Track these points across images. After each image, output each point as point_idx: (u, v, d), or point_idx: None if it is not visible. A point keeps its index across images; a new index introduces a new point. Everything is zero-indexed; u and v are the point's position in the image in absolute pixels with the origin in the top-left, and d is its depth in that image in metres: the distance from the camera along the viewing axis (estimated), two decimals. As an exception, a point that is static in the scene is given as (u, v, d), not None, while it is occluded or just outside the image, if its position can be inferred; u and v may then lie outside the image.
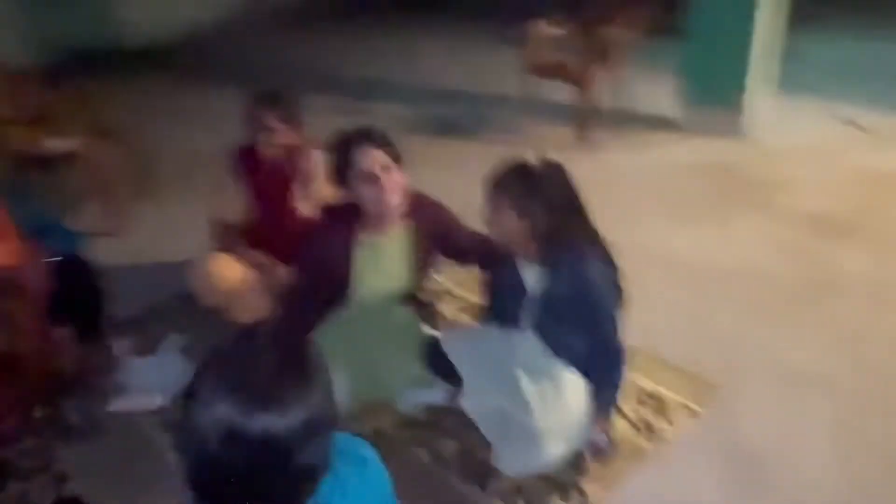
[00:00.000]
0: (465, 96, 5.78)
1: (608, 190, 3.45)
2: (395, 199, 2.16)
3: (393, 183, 2.14)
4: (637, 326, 2.27)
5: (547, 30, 4.88)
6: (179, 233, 3.36)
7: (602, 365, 2.09)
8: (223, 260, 2.66)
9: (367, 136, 2.17)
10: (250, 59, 6.88)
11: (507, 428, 2.04)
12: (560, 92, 4.89)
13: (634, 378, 2.45)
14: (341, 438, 1.02)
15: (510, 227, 1.99)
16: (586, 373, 2.10)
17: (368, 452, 1.18)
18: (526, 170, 1.98)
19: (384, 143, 2.18)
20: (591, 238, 2.05)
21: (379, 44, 7.40)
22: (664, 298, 2.96)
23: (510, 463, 2.05)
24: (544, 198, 1.93)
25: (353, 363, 2.19)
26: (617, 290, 2.12)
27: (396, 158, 2.18)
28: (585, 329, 2.06)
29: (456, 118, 5.27)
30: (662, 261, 3.27)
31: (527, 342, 2.13)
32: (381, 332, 2.34)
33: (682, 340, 2.74)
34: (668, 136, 4.77)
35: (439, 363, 2.20)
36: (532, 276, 2.08)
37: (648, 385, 2.49)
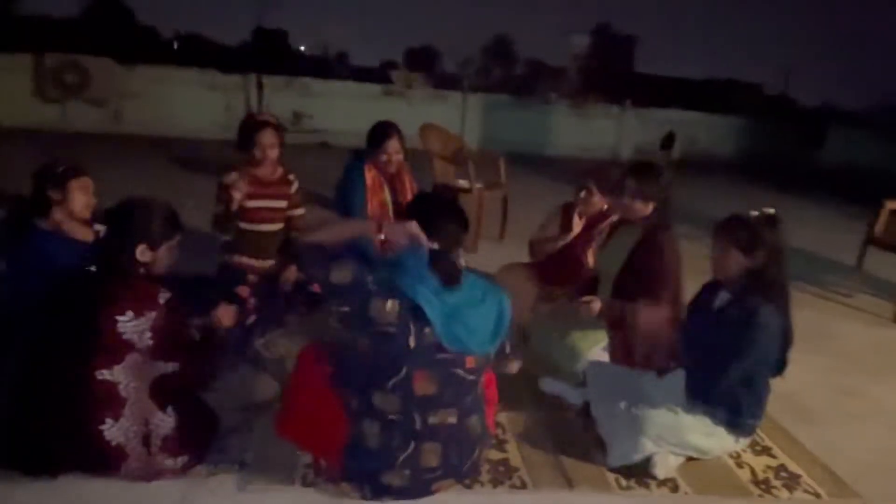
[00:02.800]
0: (801, 252, 6.03)
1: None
2: None
3: None
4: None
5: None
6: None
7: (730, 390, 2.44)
8: None
9: None
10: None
11: (617, 432, 2.52)
12: (893, 270, 4.90)
13: (785, 461, 2.72)
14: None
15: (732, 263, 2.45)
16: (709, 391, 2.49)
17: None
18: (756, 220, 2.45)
19: None
20: (783, 288, 2.44)
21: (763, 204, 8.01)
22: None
23: (613, 457, 2.50)
24: (766, 245, 2.40)
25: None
26: (779, 342, 2.44)
27: None
28: (729, 354, 2.40)
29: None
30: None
31: (656, 384, 2.67)
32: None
33: (853, 462, 2.80)
34: None
35: None
36: (720, 299, 2.54)
37: (793, 467, 2.69)
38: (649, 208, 2.90)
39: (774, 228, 2.42)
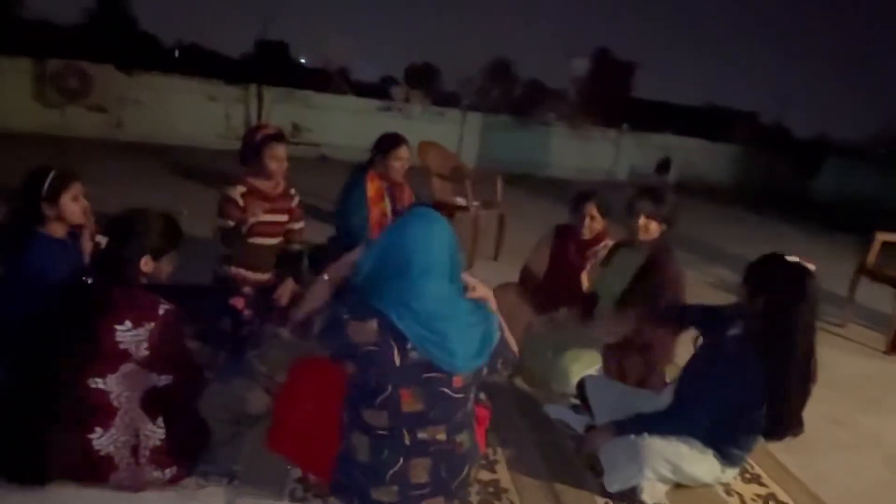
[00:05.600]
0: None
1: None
2: None
3: None
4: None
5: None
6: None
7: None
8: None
9: None
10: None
11: (616, 457, 2.50)
12: (885, 301, 4.94)
13: (775, 490, 2.73)
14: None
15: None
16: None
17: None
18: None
19: None
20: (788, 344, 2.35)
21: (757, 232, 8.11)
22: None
23: (612, 481, 2.49)
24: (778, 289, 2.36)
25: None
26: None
27: None
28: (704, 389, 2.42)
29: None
30: None
31: (654, 401, 2.66)
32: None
33: (843, 493, 2.83)
34: None
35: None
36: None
37: (783, 496, 2.70)
38: (661, 230, 2.97)
39: (796, 282, 2.35)
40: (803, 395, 2.41)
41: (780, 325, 2.34)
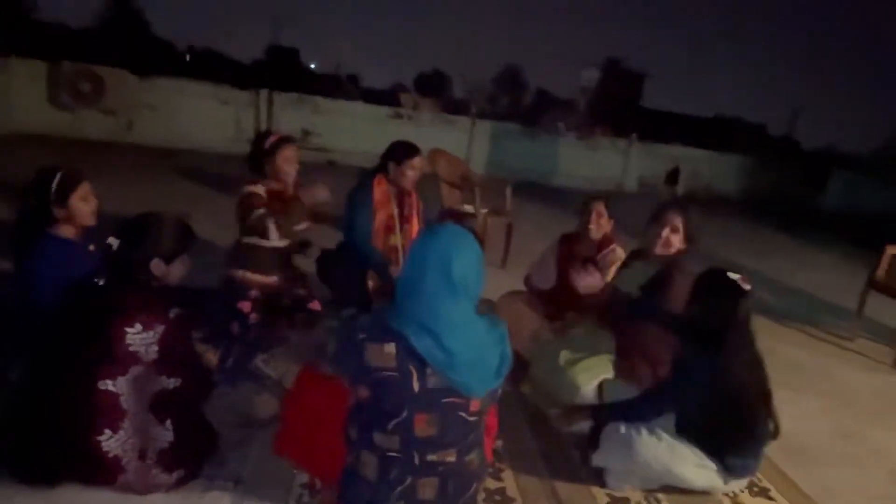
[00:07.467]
0: (802, 294, 6.06)
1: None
2: None
3: None
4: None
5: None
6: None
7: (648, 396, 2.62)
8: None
9: None
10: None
11: (611, 453, 2.55)
12: (894, 315, 4.93)
13: (774, 496, 2.75)
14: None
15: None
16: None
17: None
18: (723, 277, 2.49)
19: None
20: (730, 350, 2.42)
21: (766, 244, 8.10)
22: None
23: (609, 479, 2.57)
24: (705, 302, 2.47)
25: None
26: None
27: None
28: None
29: (782, 307, 5.66)
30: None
31: None
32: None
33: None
34: None
35: None
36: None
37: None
38: (679, 247, 2.97)
39: (732, 293, 2.43)
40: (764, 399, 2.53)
41: (707, 332, 2.44)
